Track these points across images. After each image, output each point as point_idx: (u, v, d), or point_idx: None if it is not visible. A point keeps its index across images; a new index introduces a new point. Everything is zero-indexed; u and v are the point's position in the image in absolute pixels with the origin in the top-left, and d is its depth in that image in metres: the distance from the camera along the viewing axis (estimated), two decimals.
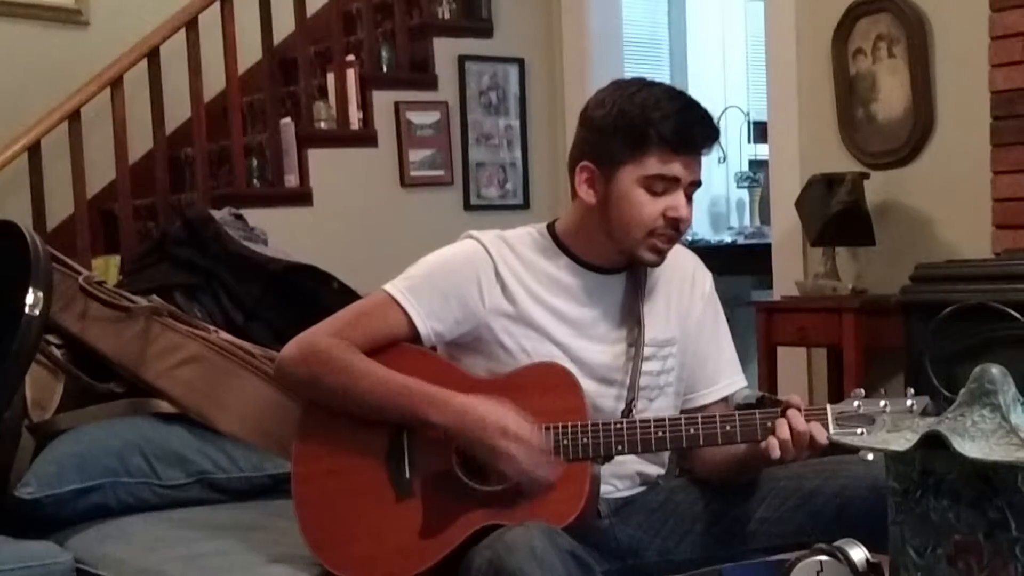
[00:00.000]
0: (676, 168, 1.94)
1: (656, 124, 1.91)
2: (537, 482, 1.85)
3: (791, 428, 1.83)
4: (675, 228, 1.97)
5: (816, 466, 1.96)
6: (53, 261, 2.63)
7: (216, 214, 3.16)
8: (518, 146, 5.03)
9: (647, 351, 2.02)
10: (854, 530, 1.53)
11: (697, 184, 1.98)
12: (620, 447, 1.90)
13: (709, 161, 2.03)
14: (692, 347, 2.10)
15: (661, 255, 2.00)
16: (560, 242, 2.05)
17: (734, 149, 6.37)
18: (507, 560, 1.71)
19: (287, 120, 4.60)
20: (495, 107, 4.98)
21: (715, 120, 2.01)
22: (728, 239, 6.10)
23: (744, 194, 6.43)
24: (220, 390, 2.63)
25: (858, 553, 1.47)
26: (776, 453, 1.83)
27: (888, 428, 1.38)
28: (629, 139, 1.93)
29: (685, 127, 1.93)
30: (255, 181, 4.61)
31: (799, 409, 1.86)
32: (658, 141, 1.92)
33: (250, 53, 4.71)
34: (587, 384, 1.96)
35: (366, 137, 4.69)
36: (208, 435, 2.63)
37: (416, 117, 4.77)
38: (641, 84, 1.98)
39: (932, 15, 3.70)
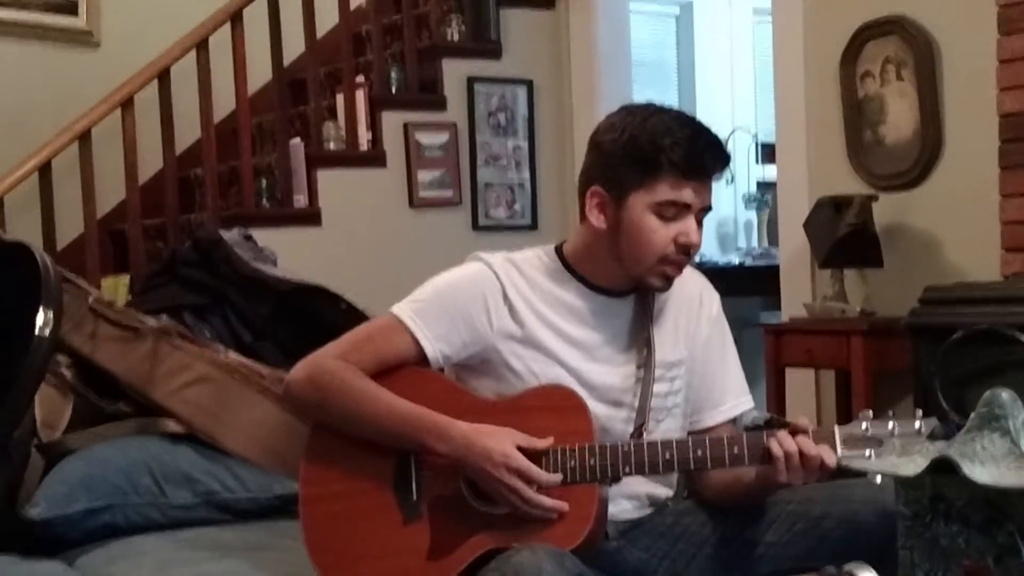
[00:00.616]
0: (687, 194, 1.94)
1: (667, 150, 1.91)
2: (540, 514, 1.85)
3: (802, 453, 1.83)
4: (685, 253, 1.97)
5: (824, 491, 1.95)
6: (63, 281, 2.64)
7: (225, 234, 3.17)
8: (526, 167, 5.04)
9: (656, 373, 2.01)
10: (862, 555, 1.53)
11: (708, 209, 1.98)
12: (628, 469, 1.90)
13: (717, 183, 2.03)
14: (700, 368, 2.09)
15: (670, 281, 2.00)
16: (568, 265, 2.04)
17: (742, 170, 6.37)
18: None
19: (296, 140, 4.62)
20: (503, 128, 5.00)
21: (725, 144, 2.01)
22: (736, 260, 6.10)
23: (752, 215, 6.43)
24: (228, 411, 2.63)
25: None
26: (783, 475, 1.82)
27: (898, 452, 1.37)
28: (640, 165, 1.93)
29: (696, 153, 1.93)
30: (264, 201, 4.62)
31: (807, 432, 1.86)
32: (669, 167, 1.92)
33: (260, 74, 4.73)
34: (596, 407, 1.96)
35: (375, 158, 4.71)
36: (216, 455, 2.64)
37: (425, 138, 4.79)
38: (652, 109, 1.98)
39: (940, 38, 3.70)
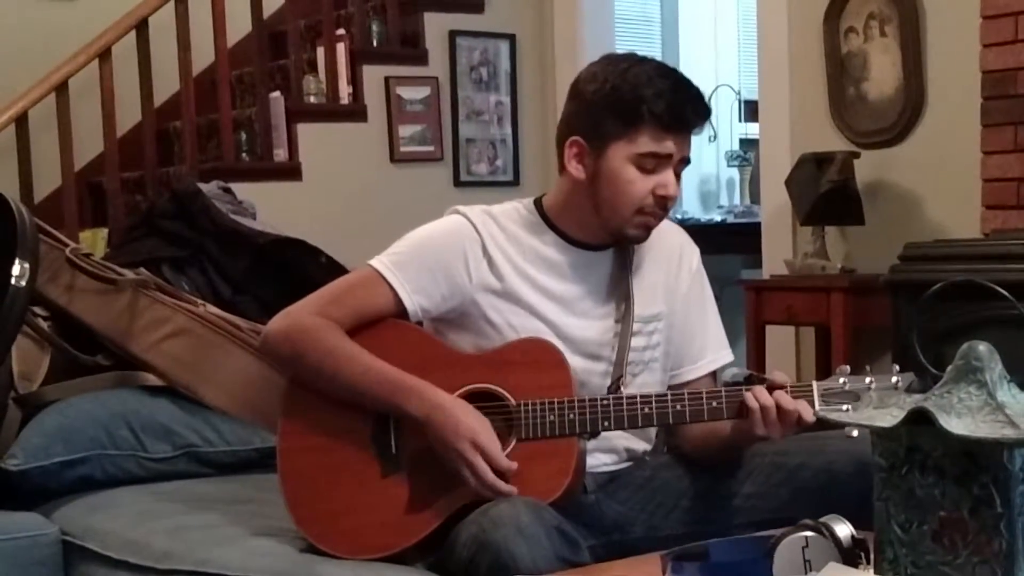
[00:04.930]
0: (668, 145, 1.94)
1: (649, 101, 1.91)
2: (489, 495, 1.84)
3: (779, 407, 1.84)
4: (663, 206, 1.97)
5: (801, 442, 1.97)
6: (40, 233, 2.62)
7: (204, 187, 3.14)
8: (508, 122, 5.01)
9: (634, 327, 2.01)
10: (839, 505, 1.54)
11: (686, 161, 1.98)
12: (607, 423, 1.91)
13: (700, 140, 2.03)
14: (679, 322, 2.10)
15: (648, 231, 2.00)
16: (547, 218, 2.04)
17: (725, 128, 6.35)
18: (492, 535, 1.72)
19: (276, 94, 4.58)
20: (486, 83, 4.96)
21: (706, 98, 2.00)
22: (718, 218, 6.10)
23: (734, 173, 6.42)
24: (207, 363, 2.62)
25: (843, 529, 1.47)
26: (760, 428, 1.83)
27: (874, 404, 1.37)
28: (621, 116, 1.93)
29: (678, 105, 1.93)
30: (244, 155, 4.59)
31: (785, 387, 1.86)
32: (651, 119, 1.92)
33: (239, 26, 4.68)
34: (574, 360, 1.96)
35: (356, 112, 4.67)
36: (195, 408, 2.63)
37: (406, 92, 4.75)
38: (633, 60, 1.98)
39: None
